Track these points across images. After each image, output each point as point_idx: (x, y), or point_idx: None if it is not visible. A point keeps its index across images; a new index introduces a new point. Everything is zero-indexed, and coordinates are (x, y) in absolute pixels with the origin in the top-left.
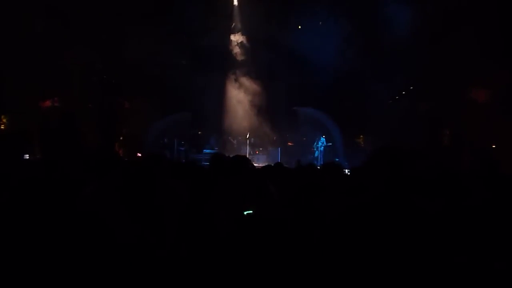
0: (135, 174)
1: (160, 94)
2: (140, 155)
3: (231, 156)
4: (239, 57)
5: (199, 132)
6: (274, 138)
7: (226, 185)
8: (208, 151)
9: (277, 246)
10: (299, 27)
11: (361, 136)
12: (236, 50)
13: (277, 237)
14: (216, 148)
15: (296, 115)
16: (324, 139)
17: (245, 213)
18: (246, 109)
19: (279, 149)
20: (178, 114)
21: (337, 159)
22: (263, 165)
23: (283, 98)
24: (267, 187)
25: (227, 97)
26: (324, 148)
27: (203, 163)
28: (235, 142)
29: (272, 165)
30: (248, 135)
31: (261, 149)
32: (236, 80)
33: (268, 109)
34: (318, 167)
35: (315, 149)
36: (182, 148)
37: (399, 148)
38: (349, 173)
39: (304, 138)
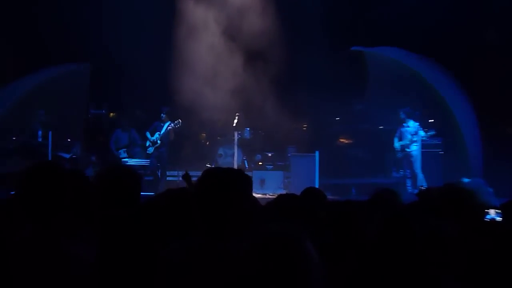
0: None
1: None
2: None
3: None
4: None
5: (110, 113)
6: (304, 127)
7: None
8: (125, 156)
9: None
10: None
11: None
12: None
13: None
14: (152, 148)
15: (356, 67)
16: (417, 125)
17: None
18: (229, 55)
19: (317, 154)
20: (61, 67)
21: (468, 180)
22: (273, 195)
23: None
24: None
25: (181, 25)
26: (423, 144)
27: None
28: (205, 139)
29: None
30: (236, 120)
31: (270, 154)
32: None
33: (285, 59)
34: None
35: (399, 147)
36: (66, 155)
37: None
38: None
39: (381, 127)
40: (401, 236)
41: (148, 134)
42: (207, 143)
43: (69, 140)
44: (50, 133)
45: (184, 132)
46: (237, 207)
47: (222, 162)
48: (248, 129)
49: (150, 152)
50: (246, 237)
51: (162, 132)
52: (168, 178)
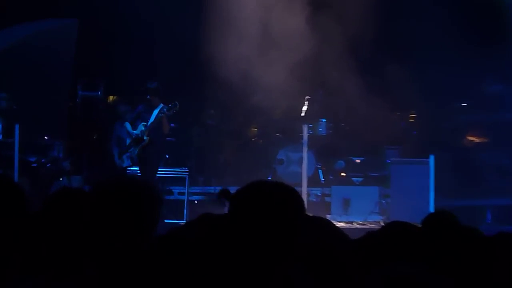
0: None
1: None
2: None
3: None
4: None
5: (109, 97)
6: (412, 118)
7: None
8: (129, 165)
9: None
10: None
11: None
12: None
13: None
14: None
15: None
16: None
17: None
18: (290, 8)
19: (431, 160)
20: (35, 25)
21: None
22: (363, 223)
23: None
24: None
25: None
26: None
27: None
28: (257, 137)
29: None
30: (305, 107)
31: (358, 160)
32: None
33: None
34: None
35: None
36: (42, 160)
37: None
38: None
39: None
40: None
41: (128, 126)
42: (260, 142)
43: (46, 138)
44: (17, 127)
45: (223, 127)
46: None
47: (284, 173)
48: (324, 121)
49: (133, 155)
50: None
51: (150, 122)
52: (193, 198)
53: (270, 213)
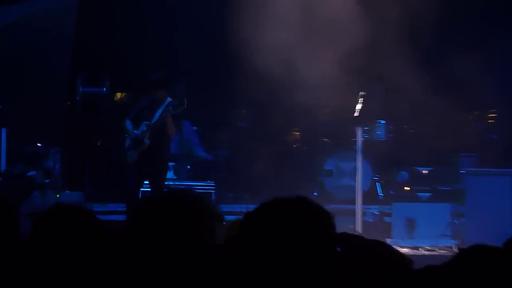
0: None
1: None
2: None
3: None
4: None
5: (117, 94)
6: (491, 118)
7: None
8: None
9: None
10: None
11: None
12: None
13: None
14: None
15: None
16: None
17: None
18: None
19: None
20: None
21: None
22: (432, 248)
23: None
24: None
25: None
26: None
27: None
28: (300, 143)
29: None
30: (360, 105)
31: (425, 171)
32: None
33: None
34: None
35: None
36: (31, 172)
37: None
38: None
39: None
40: None
41: (128, 124)
42: (304, 149)
43: (39, 145)
44: (3, 131)
45: (257, 130)
46: None
47: (333, 187)
48: (383, 122)
49: (130, 160)
50: None
51: (153, 121)
52: None
53: (292, 244)
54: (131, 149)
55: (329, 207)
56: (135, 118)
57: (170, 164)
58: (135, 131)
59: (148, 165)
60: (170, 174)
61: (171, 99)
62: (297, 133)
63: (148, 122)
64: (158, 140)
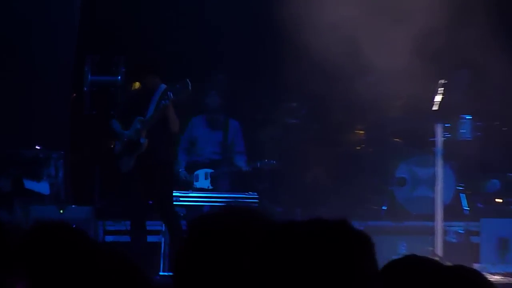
0: None
1: None
2: None
3: None
4: None
5: (134, 83)
6: None
7: None
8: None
9: None
10: None
11: None
12: None
13: None
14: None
15: None
16: None
17: None
18: None
19: None
20: None
21: None
22: None
23: None
24: None
25: None
26: None
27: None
28: (364, 144)
29: None
30: (440, 97)
31: None
32: None
33: None
34: None
35: None
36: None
37: None
38: None
39: None
40: None
41: (115, 125)
42: (370, 151)
43: (37, 147)
44: None
45: (312, 128)
46: None
47: (406, 198)
48: (468, 118)
49: (126, 169)
50: None
51: (148, 116)
52: None
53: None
54: (125, 155)
55: (402, 224)
56: (123, 116)
57: (208, 171)
58: (125, 131)
59: (150, 171)
60: (205, 183)
61: (165, 86)
62: (362, 131)
63: (141, 118)
64: (158, 138)
